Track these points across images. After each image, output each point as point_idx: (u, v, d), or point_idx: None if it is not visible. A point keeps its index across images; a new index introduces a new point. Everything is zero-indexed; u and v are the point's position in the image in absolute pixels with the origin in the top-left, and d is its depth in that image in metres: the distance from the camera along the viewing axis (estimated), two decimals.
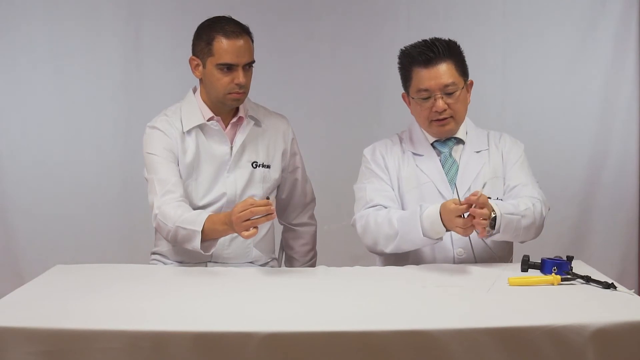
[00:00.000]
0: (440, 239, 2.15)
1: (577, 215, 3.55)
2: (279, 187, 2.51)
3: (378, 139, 3.50)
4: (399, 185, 2.32)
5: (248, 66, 2.30)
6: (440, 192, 2.27)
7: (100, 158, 3.50)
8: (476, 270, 2.15)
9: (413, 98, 2.28)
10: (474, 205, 2.01)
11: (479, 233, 2.05)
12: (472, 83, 2.32)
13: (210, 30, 2.28)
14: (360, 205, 2.31)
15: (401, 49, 2.31)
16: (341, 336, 1.58)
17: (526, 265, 2.09)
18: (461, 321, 1.63)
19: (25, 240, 3.49)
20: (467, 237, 2.18)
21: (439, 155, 2.33)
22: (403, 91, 2.35)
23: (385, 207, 2.27)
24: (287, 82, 3.47)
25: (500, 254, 2.31)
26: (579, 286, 1.93)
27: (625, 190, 3.55)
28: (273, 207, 2.07)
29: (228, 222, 2.11)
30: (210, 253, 2.24)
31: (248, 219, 2.04)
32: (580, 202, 3.54)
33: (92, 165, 3.50)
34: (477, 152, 2.33)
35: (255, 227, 2.05)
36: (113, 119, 3.50)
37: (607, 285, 1.89)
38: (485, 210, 2.01)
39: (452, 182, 2.28)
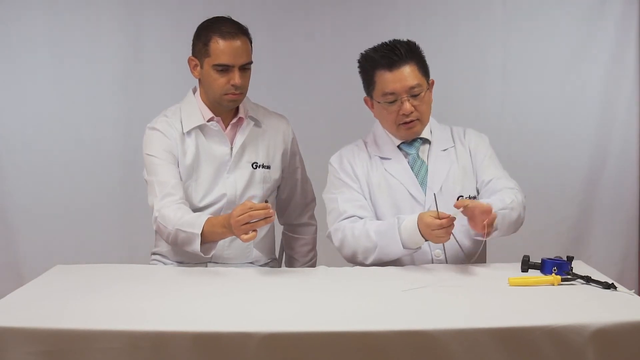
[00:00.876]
0: (419, 247, 2.17)
1: (577, 215, 3.55)
2: (279, 187, 2.51)
3: None
4: (369, 190, 2.30)
5: (245, 67, 2.30)
6: (412, 195, 2.26)
7: (100, 158, 3.50)
8: (476, 270, 2.15)
9: (379, 102, 2.26)
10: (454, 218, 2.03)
11: (482, 235, 2.04)
12: (433, 82, 2.31)
13: (208, 31, 2.28)
14: (334, 217, 2.28)
15: (361, 53, 2.29)
16: (341, 336, 1.58)
17: (526, 265, 2.09)
18: (461, 321, 1.63)
19: (25, 240, 3.49)
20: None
21: (406, 157, 2.32)
22: (365, 95, 2.33)
23: (361, 218, 2.25)
24: (287, 82, 3.47)
25: (471, 253, 2.29)
26: (579, 286, 1.93)
27: (625, 190, 3.55)
28: (272, 210, 2.06)
29: (227, 224, 2.11)
30: (210, 255, 2.24)
31: (247, 223, 2.04)
32: (580, 202, 3.54)
33: (92, 165, 3.50)
34: (444, 150, 2.32)
35: (255, 231, 2.05)
36: (113, 119, 3.50)
37: (607, 286, 1.89)
38: (495, 214, 2.01)
39: (423, 184, 2.27)
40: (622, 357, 1.59)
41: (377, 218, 2.28)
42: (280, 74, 3.44)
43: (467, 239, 2.26)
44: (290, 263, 2.61)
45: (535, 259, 2.10)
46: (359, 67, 2.30)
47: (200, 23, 2.34)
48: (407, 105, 2.22)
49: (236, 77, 2.27)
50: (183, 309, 1.75)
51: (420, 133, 2.30)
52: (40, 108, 3.48)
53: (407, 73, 2.21)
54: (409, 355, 1.56)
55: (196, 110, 2.36)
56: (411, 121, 2.24)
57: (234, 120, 2.38)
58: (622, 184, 3.55)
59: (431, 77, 2.29)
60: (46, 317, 1.66)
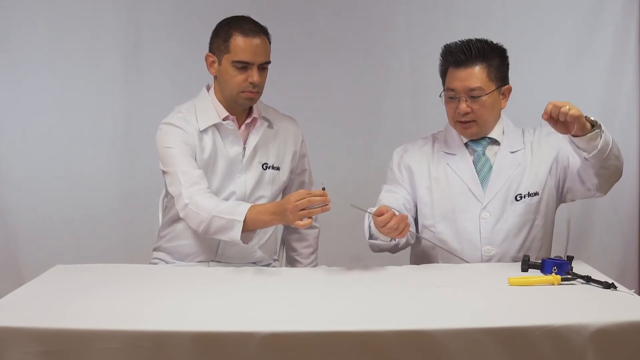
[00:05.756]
0: (393, 239, 2.17)
1: (577, 215, 3.54)
2: (285, 188, 2.51)
3: (378, 140, 3.54)
4: (430, 185, 2.33)
5: (263, 66, 2.30)
6: (470, 190, 2.29)
7: (100, 158, 3.50)
8: (476, 270, 2.15)
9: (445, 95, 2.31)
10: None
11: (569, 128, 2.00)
12: (509, 89, 2.32)
13: (229, 28, 2.28)
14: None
15: (443, 46, 2.32)
16: (341, 336, 1.58)
17: (526, 265, 2.09)
18: (461, 321, 1.63)
19: (25, 240, 3.49)
20: (496, 236, 2.25)
21: (472, 154, 2.34)
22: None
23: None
24: (286, 84, 3.44)
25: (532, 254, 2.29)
26: (579, 286, 1.93)
27: (625, 190, 3.54)
28: (329, 198, 2.05)
29: (278, 211, 2.10)
30: (247, 244, 2.22)
31: (304, 209, 2.03)
32: (581, 201, 3.53)
33: (92, 166, 3.50)
34: (513, 152, 2.33)
35: (310, 218, 2.05)
36: (113, 120, 3.50)
37: (607, 285, 1.89)
38: (565, 106, 1.98)
39: (485, 181, 2.29)
40: (622, 357, 1.59)
41: (434, 212, 2.32)
42: (279, 75, 3.43)
43: (515, 237, 2.28)
44: (292, 264, 2.61)
45: (536, 259, 2.11)
46: (439, 58, 2.34)
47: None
48: (463, 106, 2.24)
49: (255, 75, 2.27)
50: (183, 309, 1.75)
51: (478, 134, 2.32)
52: (40, 108, 3.48)
53: (472, 74, 2.23)
54: (409, 355, 1.56)
55: (211, 108, 2.35)
56: (466, 122, 2.27)
57: (248, 120, 2.38)
58: (622, 184, 3.52)
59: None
60: (46, 317, 1.66)
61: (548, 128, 2.37)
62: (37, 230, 3.49)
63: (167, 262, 2.43)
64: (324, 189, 2.07)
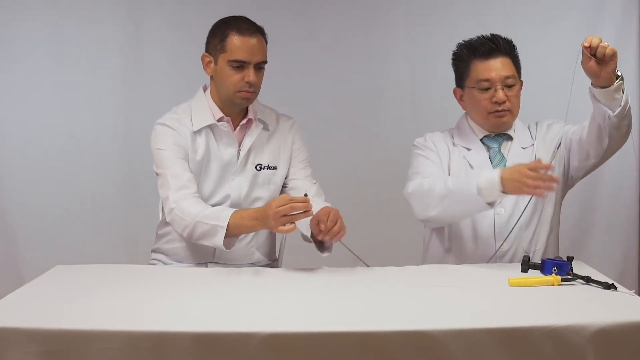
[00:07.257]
0: (491, 205, 2.12)
1: (577, 215, 3.55)
2: (288, 186, 2.50)
3: (378, 140, 3.53)
4: (449, 174, 2.34)
5: (260, 66, 2.30)
6: None
7: (100, 158, 3.51)
8: (476, 270, 2.15)
9: (473, 88, 2.30)
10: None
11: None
12: (522, 84, 2.35)
13: (225, 27, 2.28)
14: (416, 178, 2.30)
15: (460, 42, 2.33)
16: (341, 336, 1.58)
17: (526, 265, 2.09)
18: (461, 321, 1.63)
19: (25, 241, 3.49)
20: (510, 230, 2.25)
21: (488, 150, 2.35)
22: (455, 87, 2.37)
23: None
24: (286, 84, 3.46)
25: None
26: (579, 287, 1.93)
27: (625, 190, 3.54)
28: (311, 204, 2.05)
29: (260, 217, 2.10)
30: (231, 249, 2.22)
31: (286, 214, 2.03)
32: (581, 202, 3.54)
33: (92, 165, 3.50)
34: (524, 148, 2.35)
35: (293, 223, 2.04)
36: (113, 118, 3.50)
37: (608, 286, 1.89)
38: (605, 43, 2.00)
39: None
40: (622, 357, 1.59)
41: None
42: (279, 74, 3.44)
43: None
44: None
45: (536, 259, 2.10)
46: (453, 56, 2.35)
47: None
48: (501, 94, 2.27)
49: (251, 75, 2.26)
50: (183, 309, 1.75)
51: (508, 125, 2.35)
52: (40, 108, 3.48)
53: (504, 63, 2.28)
54: (409, 355, 1.56)
55: (206, 109, 2.34)
56: (502, 110, 2.28)
57: (243, 122, 2.37)
58: (622, 184, 3.54)
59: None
60: (46, 317, 1.66)
61: (548, 120, 2.39)
62: (37, 230, 3.49)
63: (165, 264, 2.43)
64: (306, 195, 2.08)
